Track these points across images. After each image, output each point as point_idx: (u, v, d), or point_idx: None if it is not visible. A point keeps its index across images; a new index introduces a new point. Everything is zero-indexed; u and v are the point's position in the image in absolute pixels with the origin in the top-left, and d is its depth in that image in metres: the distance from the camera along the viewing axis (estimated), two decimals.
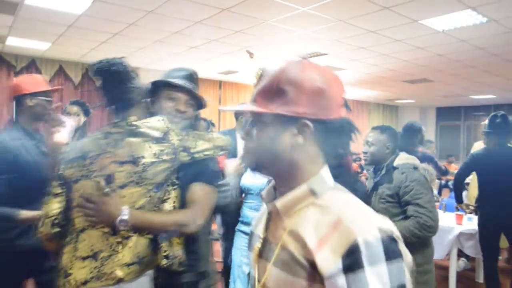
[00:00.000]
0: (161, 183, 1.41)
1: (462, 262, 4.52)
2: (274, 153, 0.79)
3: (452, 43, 4.96)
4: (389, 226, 0.70)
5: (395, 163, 2.24)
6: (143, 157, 1.38)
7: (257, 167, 0.84)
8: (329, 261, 0.67)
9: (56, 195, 1.51)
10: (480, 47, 5.11)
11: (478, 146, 4.99)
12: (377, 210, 2.11)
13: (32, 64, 6.46)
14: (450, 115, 12.12)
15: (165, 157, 1.40)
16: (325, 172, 0.80)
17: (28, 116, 2.02)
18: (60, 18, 4.38)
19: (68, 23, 4.56)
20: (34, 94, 2.01)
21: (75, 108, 2.99)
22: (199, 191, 1.46)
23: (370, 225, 0.68)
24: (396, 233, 0.70)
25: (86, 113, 3.02)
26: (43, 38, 5.27)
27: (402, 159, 2.28)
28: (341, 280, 0.65)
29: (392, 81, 7.88)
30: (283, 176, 0.80)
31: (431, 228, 2.08)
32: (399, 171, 2.19)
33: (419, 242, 2.12)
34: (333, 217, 0.71)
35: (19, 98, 2.00)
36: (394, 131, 2.32)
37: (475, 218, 4.25)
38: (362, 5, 3.72)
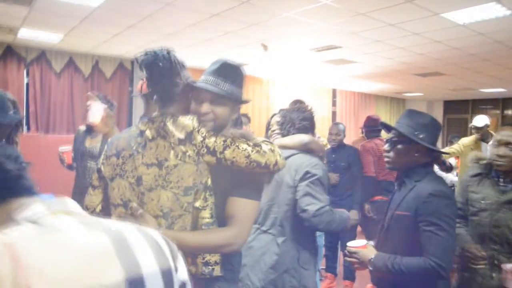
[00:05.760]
0: (188, 186, 1.34)
1: None
2: None
3: (470, 37, 4.90)
4: None
5: None
6: (166, 159, 1.35)
7: None
8: None
9: (94, 187, 1.52)
10: (498, 40, 5.05)
11: (467, 141, 5.02)
12: None
13: (43, 56, 6.40)
14: (457, 108, 12.06)
15: (187, 159, 1.34)
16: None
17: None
18: (75, 10, 4.31)
19: (83, 15, 4.50)
20: None
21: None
22: (239, 206, 1.39)
23: None
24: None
25: (111, 107, 2.99)
26: (56, 30, 5.20)
27: None
28: None
29: (404, 74, 7.82)
30: None
31: None
32: None
33: None
34: None
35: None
36: None
37: None
38: None
